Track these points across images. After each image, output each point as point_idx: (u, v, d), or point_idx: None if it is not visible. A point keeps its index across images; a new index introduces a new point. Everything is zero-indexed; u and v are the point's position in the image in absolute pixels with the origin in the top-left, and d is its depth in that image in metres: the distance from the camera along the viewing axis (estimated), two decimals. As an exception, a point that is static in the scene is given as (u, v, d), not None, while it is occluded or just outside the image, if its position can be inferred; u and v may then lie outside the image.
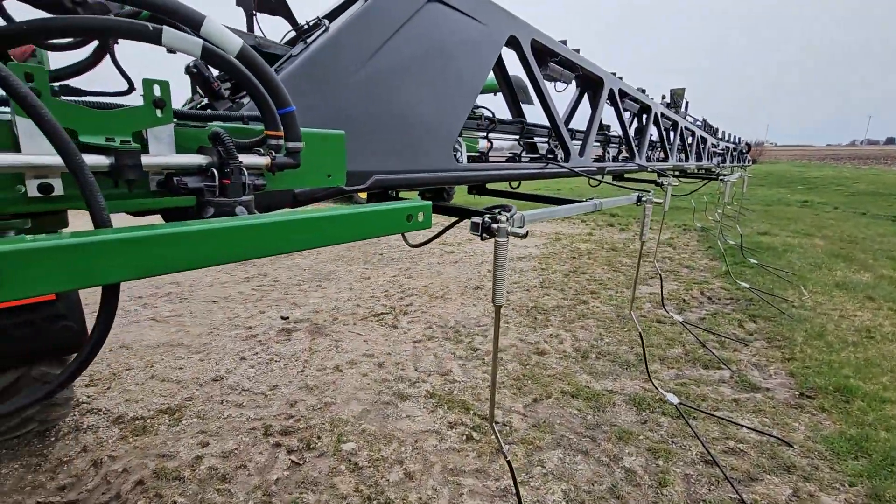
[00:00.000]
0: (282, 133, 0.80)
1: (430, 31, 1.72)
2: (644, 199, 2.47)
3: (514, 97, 2.85)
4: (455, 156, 2.22)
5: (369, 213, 0.86)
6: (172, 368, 3.40)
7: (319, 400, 3.03)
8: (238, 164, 0.70)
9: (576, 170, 2.83)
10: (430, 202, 1.00)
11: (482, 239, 1.39)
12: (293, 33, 1.58)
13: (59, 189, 0.58)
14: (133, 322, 4.26)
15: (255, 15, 1.48)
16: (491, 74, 2.66)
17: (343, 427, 2.75)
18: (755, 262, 6.35)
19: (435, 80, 1.76)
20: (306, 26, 1.48)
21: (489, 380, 3.31)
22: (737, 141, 10.74)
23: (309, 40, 1.41)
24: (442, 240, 8.35)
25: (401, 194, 2.02)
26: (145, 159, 0.62)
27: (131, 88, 1.16)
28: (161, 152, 0.66)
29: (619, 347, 3.89)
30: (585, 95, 3.64)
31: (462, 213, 1.72)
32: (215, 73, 1.22)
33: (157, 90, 0.64)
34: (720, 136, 8.79)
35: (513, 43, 2.35)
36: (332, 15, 1.59)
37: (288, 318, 4.42)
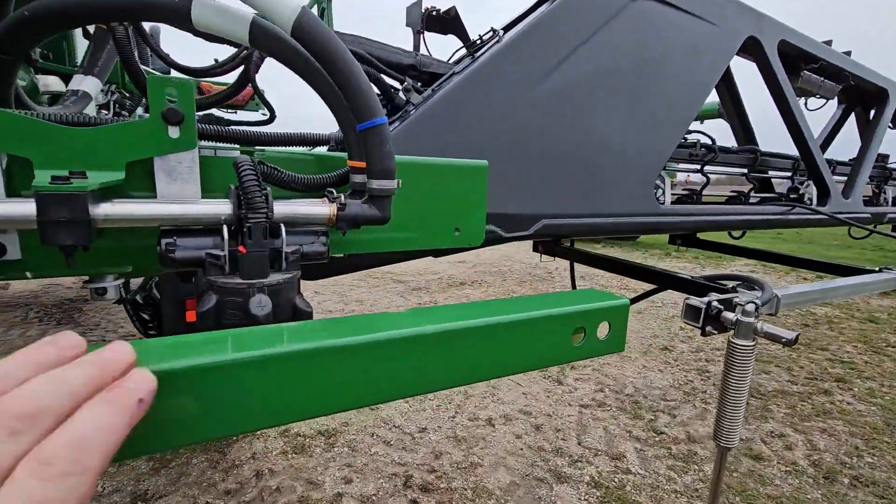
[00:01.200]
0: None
1: (634, 37, 1.31)
2: None
3: (745, 119, 2.18)
4: (656, 195, 1.73)
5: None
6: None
7: (465, 457, 2.73)
8: (261, 216, 0.43)
9: (838, 216, 1.99)
10: (627, 301, 0.59)
11: (703, 334, 0.89)
12: (463, 51, 1.36)
13: (13, 251, 0.40)
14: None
15: (423, 33, 1.31)
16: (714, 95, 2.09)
17: (486, 500, 2.39)
18: None
19: (636, 100, 1.33)
20: (479, 41, 1.23)
21: (673, 478, 2.54)
22: None
23: (477, 54, 1.15)
24: (623, 284, 7.43)
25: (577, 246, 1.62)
26: (110, 208, 0.39)
27: (273, 117, 1.09)
28: (174, 194, 0.44)
29: (891, 476, 2.64)
30: (853, 114, 2.66)
31: (668, 282, 1.23)
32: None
33: (172, 95, 0.42)
34: None
35: (750, 47, 1.75)
36: (511, 25, 1.31)
37: (449, 352, 4.30)
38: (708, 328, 0.87)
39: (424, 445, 2.84)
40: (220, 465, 2.59)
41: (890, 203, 2.76)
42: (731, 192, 2.08)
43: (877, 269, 1.46)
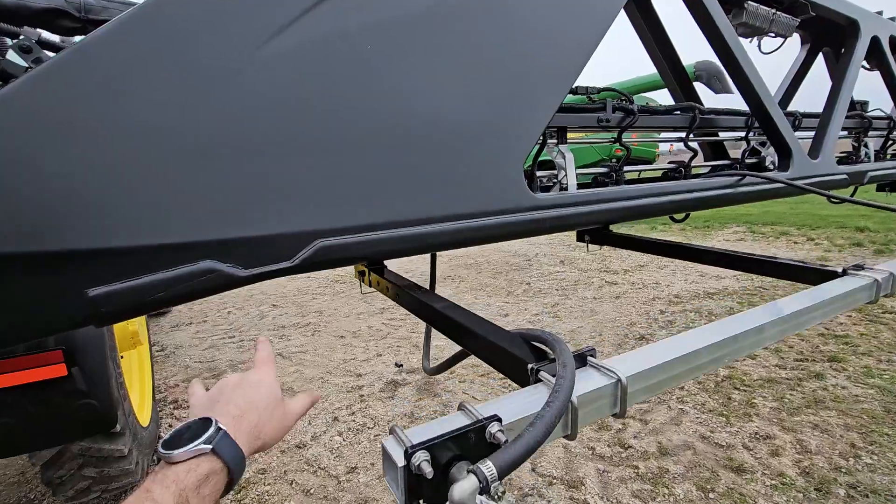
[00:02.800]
0: None
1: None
2: None
3: (679, 71, 1.74)
4: (556, 178, 1.30)
5: None
6: (271, 420, 3.14)
7: (397, 502, 2.32)
8: None
9: (799, 183, 1.56)
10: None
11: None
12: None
13: None
14: (261, 357, 4.26)
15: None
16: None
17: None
18: None
19: (471, 51, 0.90)
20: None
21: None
22: None
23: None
24: (605, 266, 7.02)
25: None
26: None
27: None
28: None
29: (894, 479, 2.25)
30: (820, 55, 2.22)
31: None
32: None
33: None
34: None
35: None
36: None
37: (402, 365, 3.89)
38: None
39: (350, 492, 2.42)
40: (102, 541, 2.18)
41: (872, 158, 2.33)
42: (669, 162, 1.64)
43: (840, 270, 1.04)
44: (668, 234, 8.95)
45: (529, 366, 0.70)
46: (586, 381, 0.61)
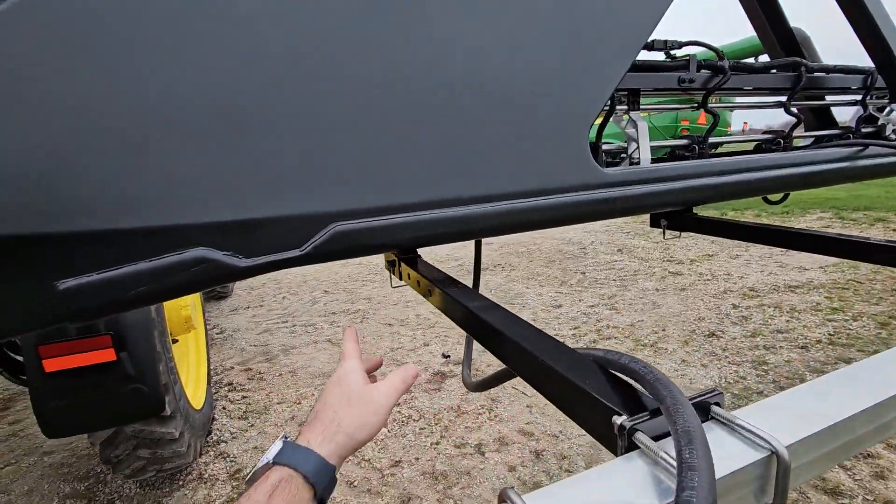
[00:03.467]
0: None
1: None
2: None
3: (781, 21, 1.45)
4: (628, 152, 1.10)
5: None
6: (319, 407, 3.14)
7: (442, 501, 2.21)
8: None
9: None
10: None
11: None
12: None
13: None
14: (312, 343, 4.31)
15: None
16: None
17: None
18: None
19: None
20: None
21: None
22: None
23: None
24: (668, 255, 6.53)
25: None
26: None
27: None
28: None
29: None
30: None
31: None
32: None
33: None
34: None
35: None
36: None
37: (449, 356, 3.77)
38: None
39: (394, 487, 2.35)
40: (157, 519, 2.24)
41: None
42: (764, 132, 1.37)
43: None
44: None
45: (616, 421, 0.46)
46: (719, 451, 0.35)
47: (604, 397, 0.48)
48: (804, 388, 0.48)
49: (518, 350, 0.76)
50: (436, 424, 2.83)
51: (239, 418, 3.05)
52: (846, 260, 5.24)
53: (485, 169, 0.72)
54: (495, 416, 2.88)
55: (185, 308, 2.61)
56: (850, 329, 3.74)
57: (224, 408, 3.17)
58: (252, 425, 2.96)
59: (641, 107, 1.11)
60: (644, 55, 1.15)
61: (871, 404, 0.42)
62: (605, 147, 1.17)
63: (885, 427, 0.45)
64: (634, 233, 8.24)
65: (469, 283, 1.44)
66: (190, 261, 0.58)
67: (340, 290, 5.94)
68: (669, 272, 5.73)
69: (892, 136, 1.48)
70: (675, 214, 1.43)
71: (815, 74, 1.36)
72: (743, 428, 0.38)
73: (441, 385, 3.31)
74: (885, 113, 1.50)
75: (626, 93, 1.11)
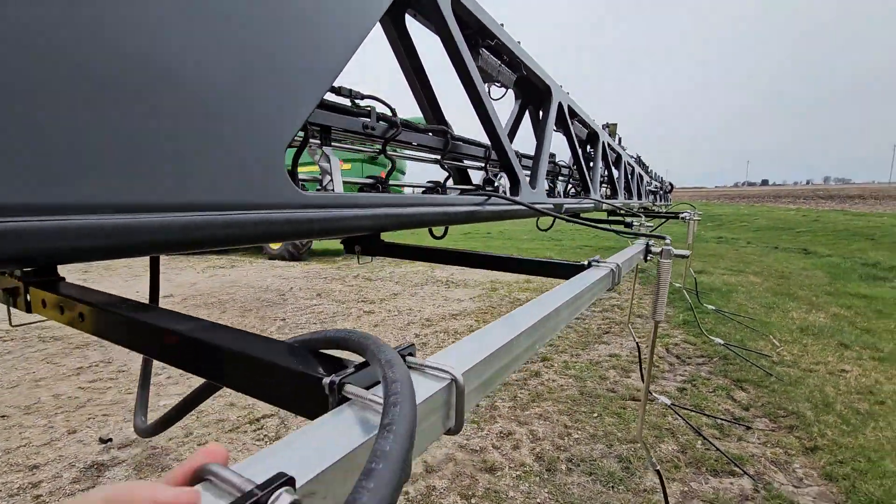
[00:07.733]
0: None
1: None
2: (657, 250, 1.51)
3: (430, 92, 1.84)
4: (323, 182, 1.15)
5: None
6: None
7: None
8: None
9: (536, 206, 1.84)
10: None
11: None
12: None
13: None
14: None
15: None
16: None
17: None
18: (712, 308, 5.78)
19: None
20: None
21: None
22: (661, 180, 10.80)
23: None
24: (362, 296, 7.11)
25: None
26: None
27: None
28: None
29: (593, 447, 2.86)
30: (527, 111, 2.77)
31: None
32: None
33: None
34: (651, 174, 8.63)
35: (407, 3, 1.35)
36: None
37: (111, 440, 2.92)
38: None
39: None
40: None
41: (563, 195, 3.02)
42: (428, 182, 1.72)
43: (584, 262, 1.28)
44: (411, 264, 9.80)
45: (325, 380, 0.47)
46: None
47: (311, 370, 0.48)
48: (476, 333, 0.62)
49: (225, 355, 0.67)
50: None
51: None
52: (488, 290, 6.83)
53: (168, 173, 0.62)
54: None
55: None
56: (490, 342, 4.95)
57: None
58: None
59: (333, 145, 1.21)
60: (334, 98, 1.27)
61: (517, 334, 0.59)
62: (300, 176, 1.20)
63: (529, 349, 0.65)
64: (331, 278, 8.64)
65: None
66: None
67: None
68: (364, 311, 6.24)
69: (504, 193, 2.07)
70: (366, 240, 1.60)
71: (457, 142, 1.81)
72: (431, 367, 0.46)
73: (97, 482, 2.50)
74: (497, 177, 2.09)
75: (318, 128, 1.19)
